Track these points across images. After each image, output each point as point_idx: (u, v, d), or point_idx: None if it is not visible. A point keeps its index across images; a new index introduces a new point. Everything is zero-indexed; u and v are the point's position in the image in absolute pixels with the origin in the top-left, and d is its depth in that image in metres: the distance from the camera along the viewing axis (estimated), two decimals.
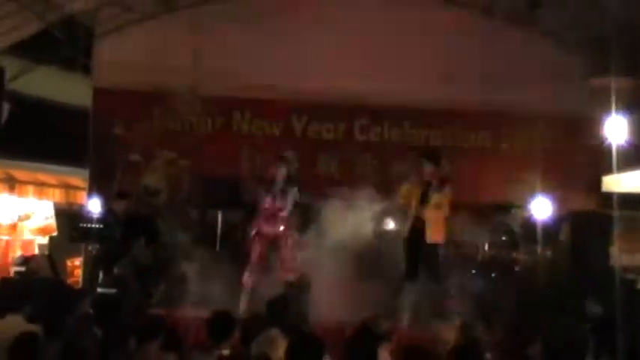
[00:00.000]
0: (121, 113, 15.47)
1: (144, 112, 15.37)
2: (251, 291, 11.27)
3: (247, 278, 11.37)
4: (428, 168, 11.20)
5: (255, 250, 11.54)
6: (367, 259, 12.92)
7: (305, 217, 12.46)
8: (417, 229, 11.18)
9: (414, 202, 11.24)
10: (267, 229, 11.51)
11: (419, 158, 11.52)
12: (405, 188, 11.41)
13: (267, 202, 11.48)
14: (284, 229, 11.50)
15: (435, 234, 11.12)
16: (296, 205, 11.63)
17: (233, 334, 6.87)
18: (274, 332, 6.44)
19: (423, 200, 11.14)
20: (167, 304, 11.45)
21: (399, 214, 13.54)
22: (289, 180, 11.59)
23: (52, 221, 17.08)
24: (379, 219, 14.64)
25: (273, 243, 11.56)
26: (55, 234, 16.60)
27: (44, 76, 16.22)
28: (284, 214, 11.50)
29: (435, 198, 11.06)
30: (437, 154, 11.81)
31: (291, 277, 11.29)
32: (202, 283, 11.83)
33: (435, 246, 11.16)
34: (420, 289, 11.27)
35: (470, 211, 12.84)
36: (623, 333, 7.19)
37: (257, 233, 11.58)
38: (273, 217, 11.49)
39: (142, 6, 15.28)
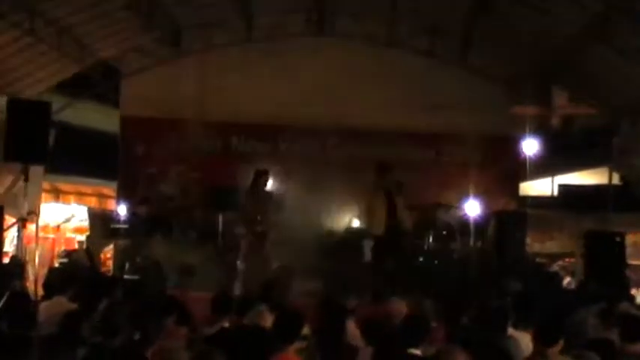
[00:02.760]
0: (142, 137, 15.45)
1: (161, 136, 15.35)
2: (243, 275, 11.22)
3: (240, 265, 11.32)
4: (385, 176, 11.21)
5: (246, 243, 11.50)
6: (338, 250, 12.97)
7: (288, 217, 12.48)
8: (392, 227, 11.20)
9: (384, 208, 11.24)
10: (254, 227, 11.46)
11: (376, 170, 11.53)
12: (370, 201, 11.37)
13: (255, 205, 11.46)
14: (267, 227, 11.43)
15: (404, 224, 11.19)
16: (278, 207, 11.60)
17: (231, 310, 6.87)
18: (262, 308, 6.45)
19: (391, 204, 11.16)
20: (180, 286, 11.42)
21: (363, 215, 13.62)
22: (272, 188, 11.56)
23: (86, 223, 17.02)
24: (348, 218, 14.73)
25: (260, 237, 11.48)
26: (89, 233, 16.53)
27: (82, 109, 16.19)
28: (268, 214, 11.44)
29: (399, 199, 11.11)
30: (388, 163, 11.80)
31: (275, 264, 11.28)
32: (207, 269, 11.83)
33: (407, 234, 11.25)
34: (383, 272, 11.31)
35: (418, 210, 12.90)
36: (535, 304, 7.26)
37: (248, 230, 11.55)
38: (259, 217, 11.44)
39: (159, 51, 15.29)
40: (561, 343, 5.52)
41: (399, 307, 7.61)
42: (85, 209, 17.00)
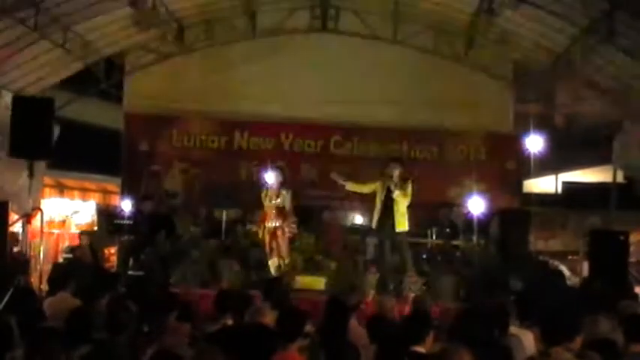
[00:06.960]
0: (146, 133, 15.45)
1: (164, 132, 15.36)
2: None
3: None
4: (395, 170, 11.13)
5: (264, 240, 11.44)
6: (340, 247, 12.98)
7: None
8: (384, 220, 11.16)
9: (379, 197, 11.19)
10: (266, 223, 11.40)
11: (388, 163, 11.46)
12: (374, 184, 11.34)
13: (266, 201, 11.37)
14: (280, 223, 11.37)
15: (400, 224, 11.09)
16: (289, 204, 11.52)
17: (234, 307, 6.85)
18: (261, 304, 6.45)
19: (388, 195, 11.10)
20: (183, 283, 11.43)
21: (367, 211, 13.57)
22: (284, 184, 11.48)
23: (94, 218, 17.04)
24: (350, 215, 14.71)
25: (272, 234, 11.40)
26: (95, 229, 16.54)
27: (86, 105, 16.20)
28: (279, 211, 11.34)
29: (396, 193, 11.01)
30: (401, 159, 11.82)
31: (283, 261, 11.25)
32: (210, 266, 11.82)
33: (401, 233, 11.17)
34: (383, 269, 11.29)
35: (421, 208, 12.84)
36: (538, 302, 7.24)
37: (261, 227, 11.49)
38: (271, 213, 11.35)
39: (162, 48, 15.29)
40: (579, 340, 5.51)
41: (388, 303, 7.67)
42: (90, 205, 17.01)
